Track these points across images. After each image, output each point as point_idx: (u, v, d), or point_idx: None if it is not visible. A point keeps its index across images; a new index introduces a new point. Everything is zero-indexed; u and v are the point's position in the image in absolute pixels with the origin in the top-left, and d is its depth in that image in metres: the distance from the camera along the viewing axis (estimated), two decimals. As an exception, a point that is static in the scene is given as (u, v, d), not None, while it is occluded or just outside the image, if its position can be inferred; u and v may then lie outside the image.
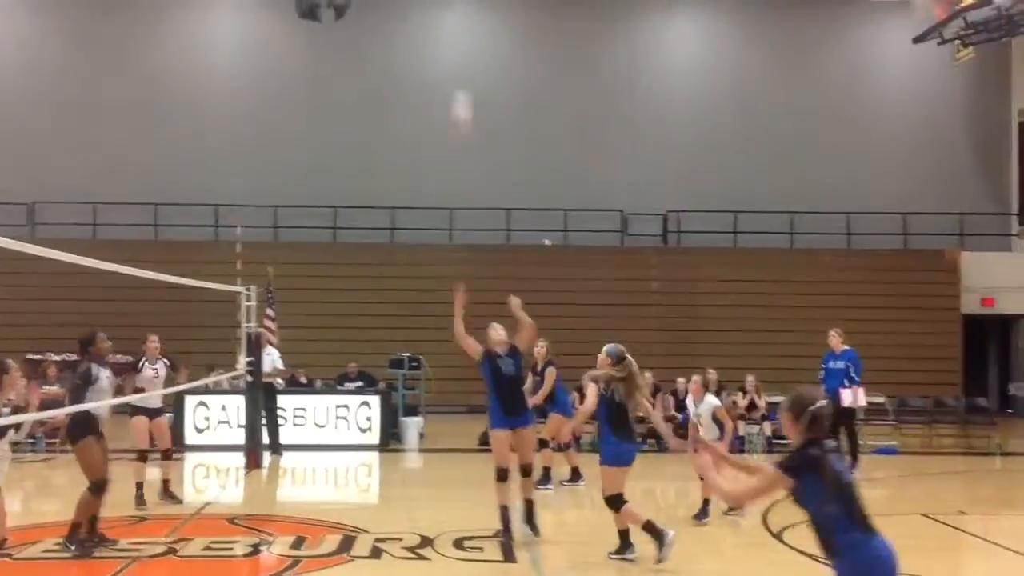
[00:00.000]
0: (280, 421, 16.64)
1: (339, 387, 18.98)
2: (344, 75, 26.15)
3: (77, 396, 9.23)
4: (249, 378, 15.19)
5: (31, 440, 16.37)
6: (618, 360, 9.06)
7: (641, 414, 9.68)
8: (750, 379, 18.19)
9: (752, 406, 17.82)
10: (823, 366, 15.62)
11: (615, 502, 8.96)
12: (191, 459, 15.93)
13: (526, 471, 9.93)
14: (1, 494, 9.00)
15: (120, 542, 9.48)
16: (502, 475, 9.74)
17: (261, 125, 25.94)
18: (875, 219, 25.72)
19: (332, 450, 16.57)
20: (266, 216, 25.07)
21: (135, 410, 11.71)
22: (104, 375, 9.38)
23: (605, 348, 9.21)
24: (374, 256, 24.51)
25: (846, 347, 15.41)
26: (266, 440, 15.91)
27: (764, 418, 17.73)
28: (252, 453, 15.05)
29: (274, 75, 26.33)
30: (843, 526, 4.79)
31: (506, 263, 24.56)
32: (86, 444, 9.08)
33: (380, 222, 25.39)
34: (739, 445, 11.13)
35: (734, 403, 17.76)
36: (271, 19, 26.00)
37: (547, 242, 25.58)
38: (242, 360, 15.49)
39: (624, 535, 9.05)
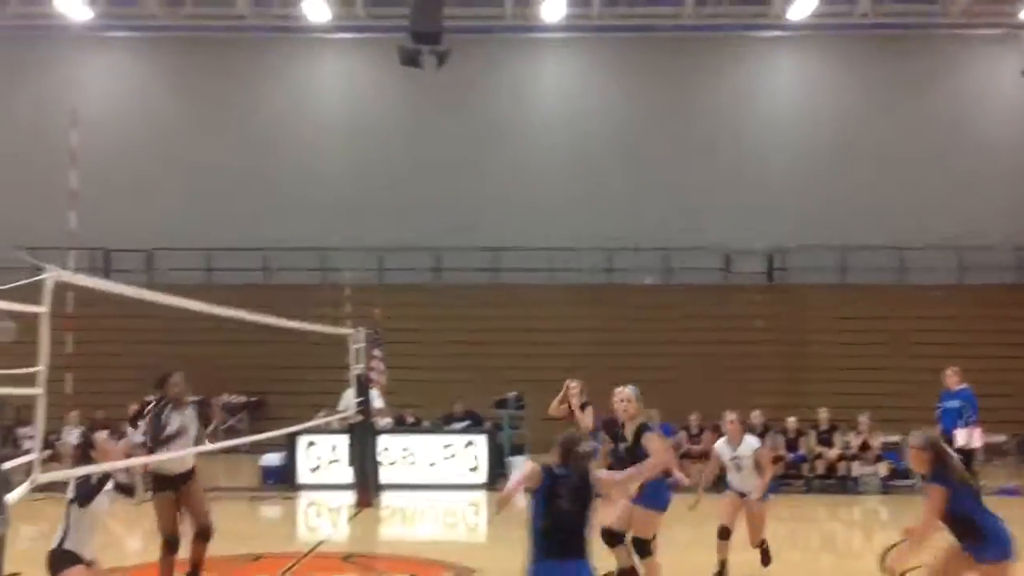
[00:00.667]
0: (379, 461, 16.71)
1: (446, 427, 19.12)
2: (446, 120, 26.60)
3: (153, 448, 8.85)
4: (359, 418, 15.45)
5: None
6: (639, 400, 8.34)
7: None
8: (863, 418, 17.76)
9: (865, 446, 17.40)
10: (938, 405, 15.22)
11: (647, 547, 8.31)
12: (304, 498, 16.25)
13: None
14: (88, 551, 7.32)
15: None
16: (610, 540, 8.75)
17: (366, 171, 26.53)
18: (987, 253, 25.02)
19: (440, 489, 16.69)
20: (371, 259, 25.57)
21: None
22: (176, 419, 8.92)
23: (631, 391, 8.24)
24: (477, 297, 24.74)
25: (962, 386, 14.99)
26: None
27: (878, 459, 17.29)
28: (362, 492, 15.29)
29: (378, 122, 26.94)
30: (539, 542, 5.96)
31: (608, 302, 24.57)
32: (158, 498, 8.91)
33: (482, 263, 25.66)
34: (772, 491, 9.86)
35: (847, 443, 17.38)
36: (374, 68, 26.60)
37: (649, 281, 25.49)
38: (343, 401, 15.80)
39: None
